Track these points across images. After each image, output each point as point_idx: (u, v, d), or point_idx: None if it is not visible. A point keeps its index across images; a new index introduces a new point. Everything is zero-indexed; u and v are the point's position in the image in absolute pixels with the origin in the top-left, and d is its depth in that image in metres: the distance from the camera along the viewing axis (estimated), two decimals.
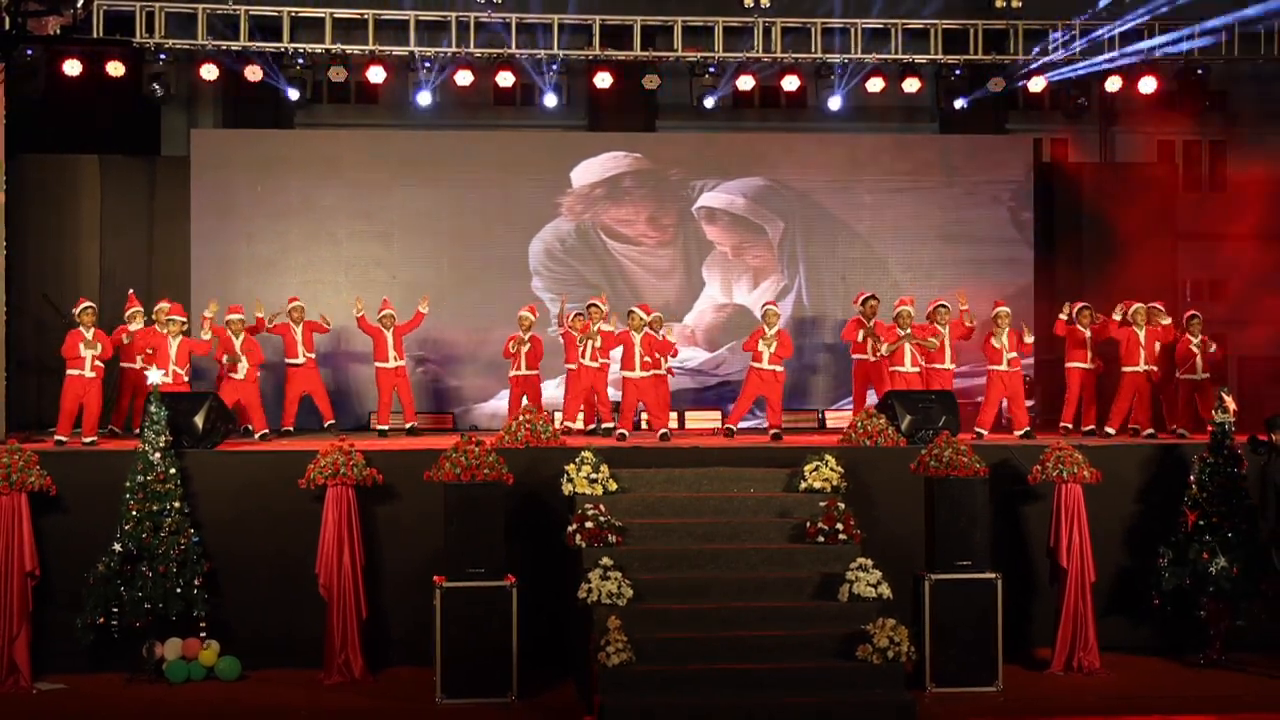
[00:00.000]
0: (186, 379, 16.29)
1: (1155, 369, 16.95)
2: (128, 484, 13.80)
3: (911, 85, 19.20)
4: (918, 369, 17.01)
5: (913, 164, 19.98)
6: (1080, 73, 19.11)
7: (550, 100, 19.13)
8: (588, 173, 19.74)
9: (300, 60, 18.57)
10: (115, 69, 18.08)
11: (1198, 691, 13.55)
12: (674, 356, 17.49)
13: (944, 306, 17.23)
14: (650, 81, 18.89)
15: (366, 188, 19.42)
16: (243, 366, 16.53)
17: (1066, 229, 20.30)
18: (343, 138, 20.02)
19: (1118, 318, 17.06)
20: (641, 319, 16.78)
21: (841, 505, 13.84)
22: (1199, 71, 19.22)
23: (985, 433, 16.71)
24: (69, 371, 15.77)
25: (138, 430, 14.79)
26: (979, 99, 19.37)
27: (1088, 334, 17.15)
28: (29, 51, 17.25)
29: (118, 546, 13.64)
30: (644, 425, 17.61)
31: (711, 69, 18.93)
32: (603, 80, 18.98)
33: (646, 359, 16.63)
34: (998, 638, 13.45)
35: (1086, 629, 14.08)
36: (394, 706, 13.14)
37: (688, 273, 19.86)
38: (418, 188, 19.51)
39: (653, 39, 19.12)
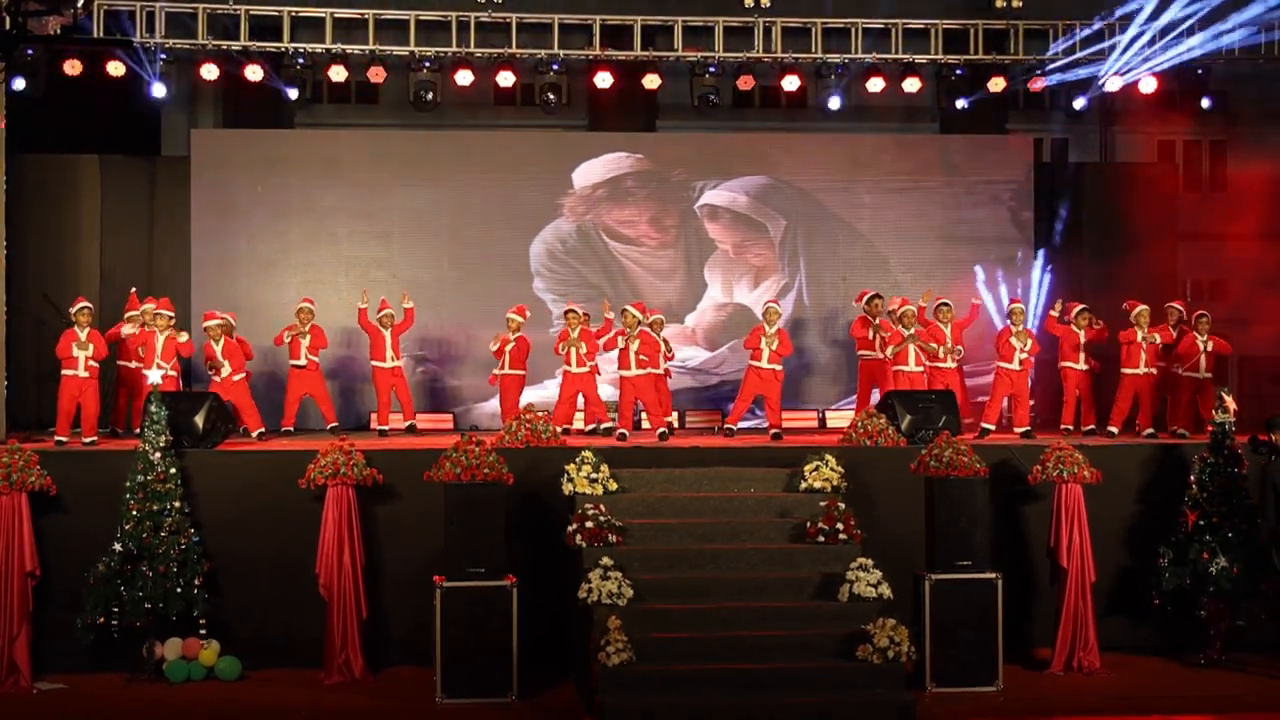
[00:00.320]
0: (175, 375, 16.26)
1: (1155, 371, 16.92)
2: (128, 484, 13.80)
3: (912, 85, 19.17)
4: (921, 368, 16.99)
5: (913, 164, 19.97)
6: (1080, 73, 19.11)
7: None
8: (589, 173, 19.73)
9: (300, 60, 18.54)
10: (115, 69, 18.08)
11: (1198, 691, 13.55)
12: (669, 360, 17.49)
13: (946, 305, 17.23)
14: (650, 81, 18.90)
15: (366, 188, 19.41)
16: (225, 370, 16.51)
17: (1067, 229, 20.28)
18: (343, 138, 20.02)
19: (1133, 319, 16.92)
20: (636, 317, 16.73)
21: (842, 505, 13.83)
22: (1199, 71, 19.20)
23: (992, 428, 16.67)
24: (64, 372, 15.77)
25: (137, 430, 14.80)
26: (979, 99, 19.36)
27: (1082, 336, 17.09)
28: (29, 51, 17.26)
29: (118, 546, 13.64)
30: (644, 425, 17.61)
31: (712, 69, 18.93)
32: (603, 80, 18.95)
33: (642, 357, 16.60)
34: (998, 638, 13.44)
35: (1087, 629, 14.07)
36: (394, 706, 13.13)
37: (689, 274, 19.84)
38: (418, 188, 19.50)
39: (653, 39, 19.11)
